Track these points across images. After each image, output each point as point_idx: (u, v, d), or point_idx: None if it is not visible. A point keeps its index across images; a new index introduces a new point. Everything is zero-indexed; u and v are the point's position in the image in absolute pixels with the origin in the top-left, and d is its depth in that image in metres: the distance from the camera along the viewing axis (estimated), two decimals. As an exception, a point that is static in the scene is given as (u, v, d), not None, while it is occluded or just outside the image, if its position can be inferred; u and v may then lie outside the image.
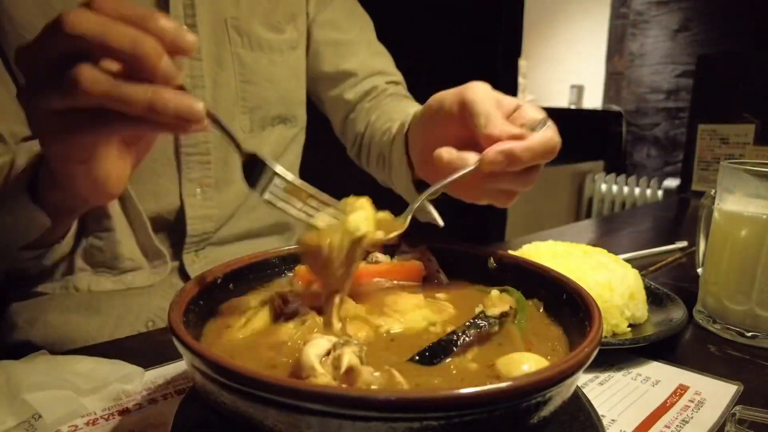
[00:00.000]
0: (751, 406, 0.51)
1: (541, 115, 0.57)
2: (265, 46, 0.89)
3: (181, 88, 0.41)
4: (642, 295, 0.69)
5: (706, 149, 1.75)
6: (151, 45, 0.39)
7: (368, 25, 1.07)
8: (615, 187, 3.68)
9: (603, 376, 0.59)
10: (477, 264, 0.57)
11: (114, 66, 0.40)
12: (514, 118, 0.56)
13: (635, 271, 0.71)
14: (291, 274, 0.56)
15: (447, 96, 0.60)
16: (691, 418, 0.51)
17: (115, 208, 0.79)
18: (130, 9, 0.40)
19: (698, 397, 0.55)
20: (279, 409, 0.29)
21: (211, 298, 0.48)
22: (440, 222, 0.66)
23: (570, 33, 5.00)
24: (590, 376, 0.59)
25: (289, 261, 0.56)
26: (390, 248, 0.60)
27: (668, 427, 0.50)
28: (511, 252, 0.66)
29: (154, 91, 0.39)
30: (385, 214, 0.52)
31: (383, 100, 0.99)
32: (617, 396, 0.55)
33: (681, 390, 0.57)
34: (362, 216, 0.48)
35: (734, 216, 0.71)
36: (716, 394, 0.56)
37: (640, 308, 0.67)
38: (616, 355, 0.63)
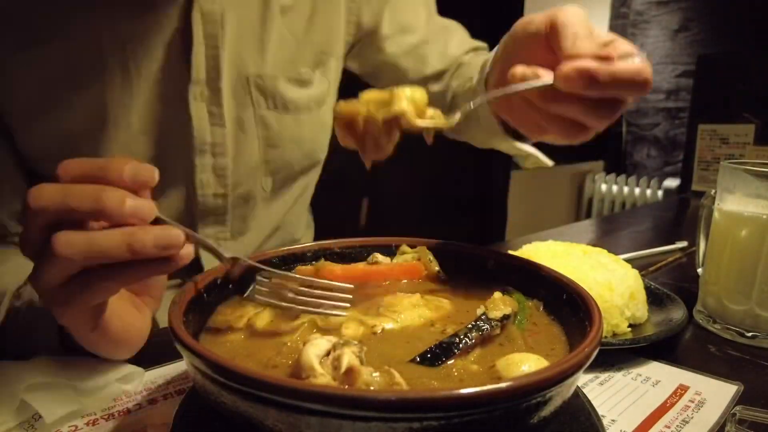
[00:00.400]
0: (751, 406, 0.51)
1: (635, 50, 0.50)
2: (291, 107, 0.84)
3: (157, 221, 0.42)
4: (642, 295, 0.69)
5: (706, 149, 1.75)
6: (110, 195, 0.39)
7: (431, 6, 0.99)
8: (615, 187, 3.68)
9: (603, 376, 0.59)
10: (477, 264, 0.57)
11: (95, 224, 0.41)
12: (606, 50, 0.49)
13: (635, 272, 0.71)
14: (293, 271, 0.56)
15: (535, 17, 0.55)
16: (692, 418, 0.51)
17: None
18: (88, 164, 0.41)
19: (698, 398, 0.55)
20: (279, 409, 0.29)
21: (211, 298, 0.48)
22: (549, 162, 0.63)
23: (570, 33, 5.00)
24: (590, 376, 0.59)
25: (289, 261, 0.56)
26: (389, 249, 0.60)
27: (668, 427, 0.50)
28: (511, 252, 0.66)
29: (130, 233, 0.40)
30: (434, 111, 0.51)
31: (462, 69, 0.93)
32: (617, 396, 0.55)
33: (681, 390, 0.57)
34: (406, 94, 0.49)
35: (734, 216, 0.71)
36: (716, 394, 0.56)
37: (640, 308, 0.67)
38: (616, 355, 0.63)
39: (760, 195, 0.68)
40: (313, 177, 0.98)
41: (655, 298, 0.73)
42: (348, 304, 0.47)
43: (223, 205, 0.81)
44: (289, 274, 0.48)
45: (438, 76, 0.95)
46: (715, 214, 0.74)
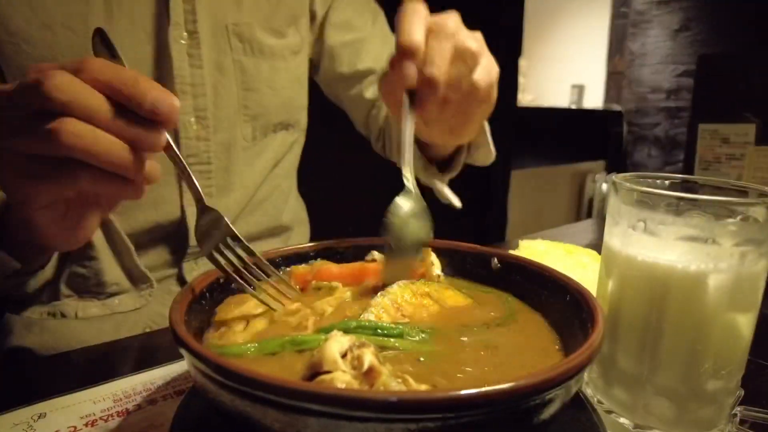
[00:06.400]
0: (751, 407, 0.51)
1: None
2: (266, 52, 0.87)
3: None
4: None
5: (706, 149, 1.75)
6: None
7: (379, 15, 1.05)
8: (615, 187, 3.67)
9: (604, 376, 0.59)
10: (479, 264, 0.57)
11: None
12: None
13: None
14: (288, 270, 0.55)
15: None
16: (692, 418, 0.51)
17: (97, 235, 0.77)
18: (116, 74, 0.40)
19: (699, 398, 0.55)
20: (277, 409, 0.29)
21: (212, 298, 0.48)
22: (457, 203, 0.73)
23: (570, 33, 5.00)
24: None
25: (290, 260, 0.56)
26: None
27: (669, 428, 0.50)
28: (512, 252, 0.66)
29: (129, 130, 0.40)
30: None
31: None
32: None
33: (682, 390, 0.56)
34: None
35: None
36: (717, 394, 0.55)
37: None
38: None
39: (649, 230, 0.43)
40: (294, 144, 0.99)
41: None
42: (290, 298, 0.49)
43: (206, 152, 0.82)
44: (250, 248, 0.48)
45: (370, 73, 1.00)
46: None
